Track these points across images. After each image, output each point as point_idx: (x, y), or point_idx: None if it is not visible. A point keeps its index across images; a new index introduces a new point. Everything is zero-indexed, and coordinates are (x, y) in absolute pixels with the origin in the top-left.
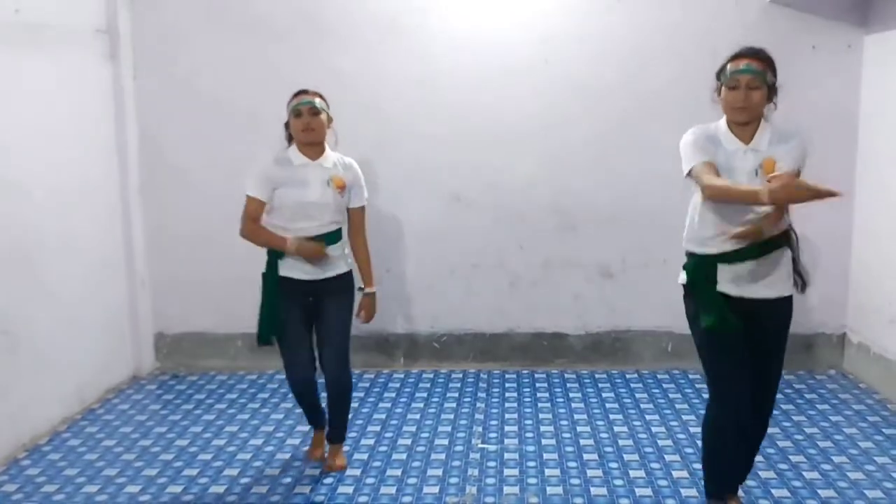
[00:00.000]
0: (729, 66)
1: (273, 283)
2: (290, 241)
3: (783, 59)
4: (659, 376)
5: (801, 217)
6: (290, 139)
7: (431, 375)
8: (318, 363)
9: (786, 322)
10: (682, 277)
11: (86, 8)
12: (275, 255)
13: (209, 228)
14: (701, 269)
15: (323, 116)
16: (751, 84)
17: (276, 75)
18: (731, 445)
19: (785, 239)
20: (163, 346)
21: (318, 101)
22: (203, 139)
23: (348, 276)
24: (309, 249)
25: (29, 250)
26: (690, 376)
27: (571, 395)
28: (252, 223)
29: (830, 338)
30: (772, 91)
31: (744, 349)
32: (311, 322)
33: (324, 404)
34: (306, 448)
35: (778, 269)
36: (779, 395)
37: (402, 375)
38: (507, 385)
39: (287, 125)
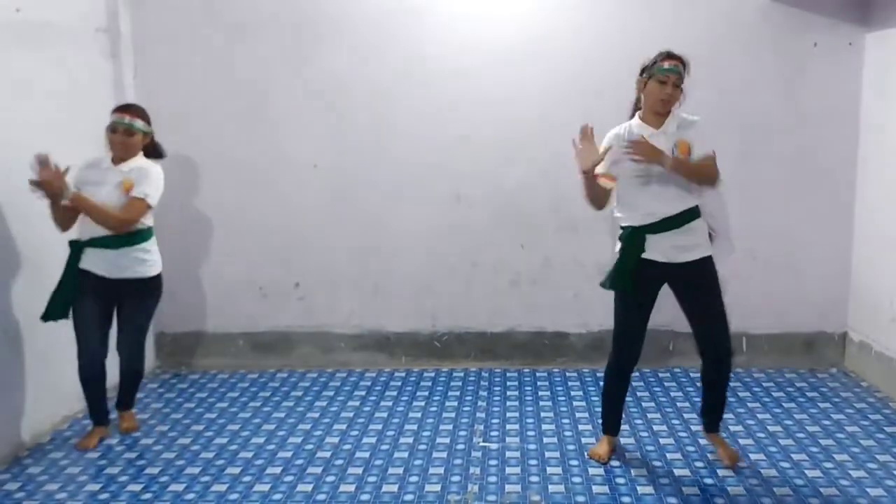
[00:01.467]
0: (665, 64)
1: (70, 269)
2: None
3: (784, 56)
4: (660, 374)
5: (802, 216)
6: None
7: (433, 374)
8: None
9: (712, 276)
10: (618, 246)
11: (86, 7)
12: (77, 248)
13: (209, 227)
14: (632, 238)
15: (137, 138)
16: (676, 82)
17: (276, 74)
18: (616, 387)
19: (697, 212)
20: (164, 345)
21: (137, 122)
22: (203, 139)
23: (148, 281)
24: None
25: (29, 247)
26: (692, 374)
27: (573, 393)
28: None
29: (832, 336)
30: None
31: (646, 319)
32: (109, 317)
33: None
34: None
35: (695, 237)
36: (780, 394)
37: (403, 374)
38: (508, 384)
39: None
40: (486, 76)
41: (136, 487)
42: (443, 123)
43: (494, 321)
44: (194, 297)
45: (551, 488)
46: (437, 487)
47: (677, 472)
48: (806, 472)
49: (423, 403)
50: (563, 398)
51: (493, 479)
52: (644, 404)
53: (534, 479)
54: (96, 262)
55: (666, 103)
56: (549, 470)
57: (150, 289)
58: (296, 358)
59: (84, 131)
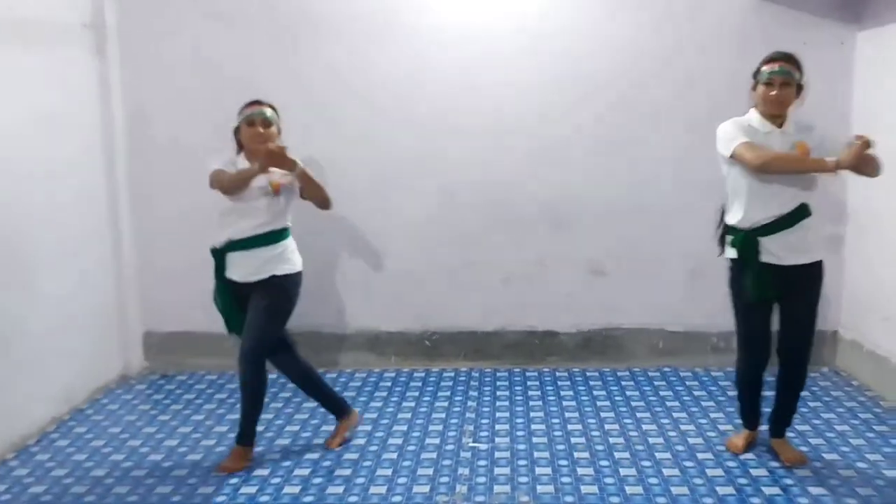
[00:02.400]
0: (764, 68)
1: (220, 277)
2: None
3: None
4: (650, 374)
5: None
6: (240, 146)
7: (423, 374)
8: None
9: (816, 282)
10: (729, 252)
11: (72, 2)
12: (220, 258)
13: (198, 225)
14: (748, 243)
15: (274, 128)
16: (783, 82)
17: (265, 70)
18: (749, 392)
19: (810, 210)
20: (152, 345)
21: (269, 112)
22: (191, 134)
23: (276, 280)
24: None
25: (16, 247)
26: (682, 374)
27: (563, 393)
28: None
29: (823, 335)
30: (800, 88)
31: (769, 319)
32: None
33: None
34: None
35: (808, 237)
36: (771, 392)
37: (393, 374)
38: (498, 383)
39: (237, 132)
40: (478, 73)
41: (123, 490)
42: (434, 121)
43: (485, 320)
44: (182, 296)
45: (540, 489)
46: (426, 489)
47: (666, 472)
48: (795, 471)
49: (412, 404)
50: (553, 398)
51: (482, 479)
52: (634, 404)
53: (523, 479)
54: (233, 269)
55: (775, 104)
56: (538, 470)
57: (276, 287)
58: None
59: (71, 127)
